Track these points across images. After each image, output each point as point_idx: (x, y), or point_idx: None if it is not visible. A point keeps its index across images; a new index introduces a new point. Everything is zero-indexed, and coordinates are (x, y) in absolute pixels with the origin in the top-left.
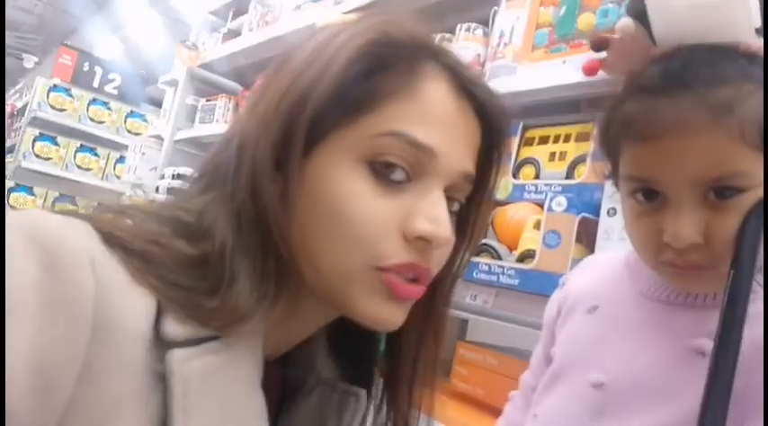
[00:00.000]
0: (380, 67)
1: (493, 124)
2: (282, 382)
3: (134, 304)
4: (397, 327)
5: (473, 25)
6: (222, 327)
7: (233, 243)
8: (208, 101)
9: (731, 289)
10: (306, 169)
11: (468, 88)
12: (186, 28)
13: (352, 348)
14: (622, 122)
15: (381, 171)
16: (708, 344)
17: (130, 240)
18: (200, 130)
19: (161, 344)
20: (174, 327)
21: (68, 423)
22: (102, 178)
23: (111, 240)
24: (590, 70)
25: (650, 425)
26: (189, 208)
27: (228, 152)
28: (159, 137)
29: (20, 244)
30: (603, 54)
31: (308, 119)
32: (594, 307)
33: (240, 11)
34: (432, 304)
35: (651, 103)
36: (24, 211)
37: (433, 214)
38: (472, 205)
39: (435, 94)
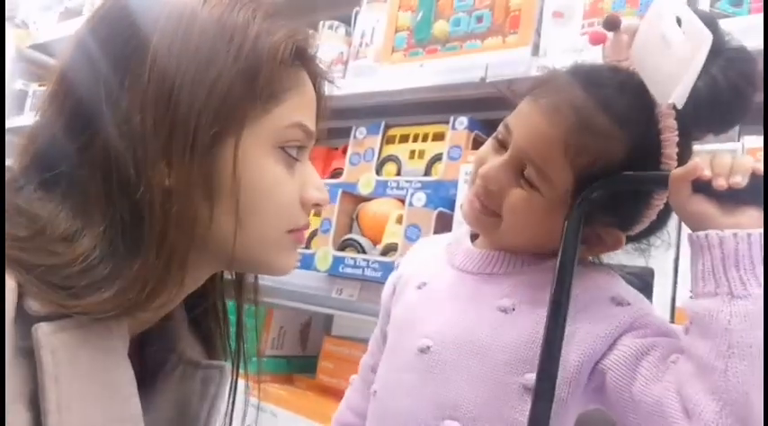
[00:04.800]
0: (283, 67)
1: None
2: (140, 364)
3: None
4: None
5: (336, 23)
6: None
7: (109, 243)
8: (41, 86)
9: (560, 259)
10: (228, 159)
11: (307, 61)
12: (11, 4)
13: (211, 324)
14: (539, 81)
15: (290, 153)
16: (507, 302)
17: None
18: (32, 119)
19: (24, 319)
20: (37, 304)
21: None
22: None
23: None
24: (596, 40)
25: (469, 379)
26: (53, 204)
27: (93, 137)
28: None
29: None
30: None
31: (236, 113)
32: (423, 283)
33: None
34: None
35: (567, 84)
36: None
37: (317, 183)
38: None
39: (309, 85)
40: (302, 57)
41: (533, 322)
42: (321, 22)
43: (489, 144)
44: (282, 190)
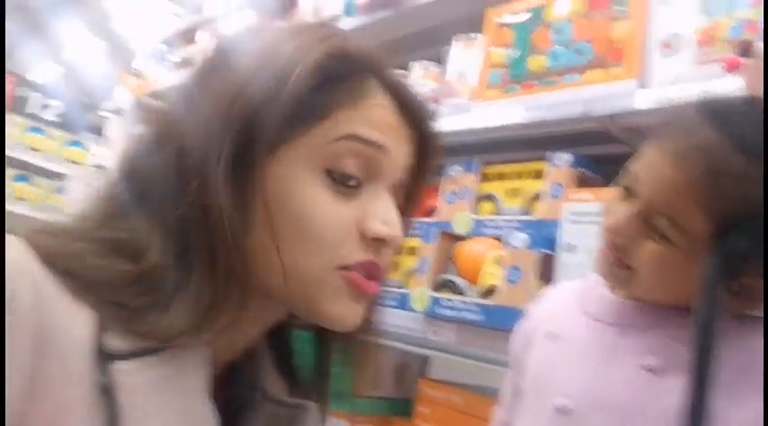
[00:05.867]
0: (336, 80)
1: (426, 133)
2: (225, 402)
3: (74, 316)
4: (355, 325)
5: (427, 63)
6: (162, 342)
7: (173, 257)
8: None
9: (699, 321)
10: (264, 177)
11: (407, 105)
12: (130, 54)
13: (294, 360)
14: (664, 121)
15: (338, 178)
16: (653, 361)
17: (63, 259)
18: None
19: (104, 357)
20: (115, 340)
21: None
22: (38, 209)
23: (45, 257)
24: (731, 67)
25: None
26: (121, 225)
27: (160, 158)
28: (103, 167)
29: None
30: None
31: (266, 128)
32: (555, 335)
33: (191, 40)
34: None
35: (695, 124)
36: None
37: (386, 216)
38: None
39: (380, 103)
40: (354, 68)
41: (685, 383)
42: (412, 62)
43: (616, 191)
44: (328, 217)
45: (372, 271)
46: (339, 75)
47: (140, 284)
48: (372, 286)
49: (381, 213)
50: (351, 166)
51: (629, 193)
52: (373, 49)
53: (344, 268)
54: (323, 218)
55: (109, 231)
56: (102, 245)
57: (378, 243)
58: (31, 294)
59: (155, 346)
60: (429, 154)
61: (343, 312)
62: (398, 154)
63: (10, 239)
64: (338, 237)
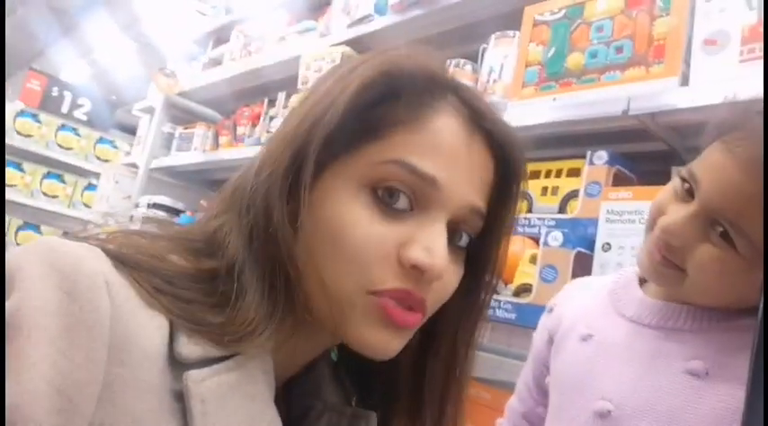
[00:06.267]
0: (389, 98)
1: (507, 160)
2: (286, 411)
3: (148, 324)
4: (391, 355)
5: (462, 61)
6: (232, 342)
7: (243, 258)
8: (185, 129)
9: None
10: (314, 192)
11: (483, 124)
12: (157, 53)
13: (362, 370)
14: (729, 123)
15: (384, 198)
16: (698, 365)
17: (139, 260)
18: (177, 159)
19: (176, 365)
20: (187, 347)
21: None
22: (68, 206)
23: (122, 262)
24: None
25: None
26: (203, 228)
27: (250, 173)
28: (133, 165)
29: (38, 269)
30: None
31: (316, 145)
32: (588, 336)
33: (221, 40)
34: (454, 345)
35: (759, 129)
36: (40, 238)
37: (429, 244)
38: (487, 241)
39: (445, 127)
40: (415, 86)
41: (733, 389)
42: (447, 61)
43: (669, 190)
44: (363, 235)
45: (407, 301)
46: (395, 93)
47: (211, 283)
48: (406, 316)
49: (425, 240)
50: (398, 187)
51: (686, 194)
52: (442, 67)
53: (375, 293)
54: (357, 237)
55: (189, 233)
56: (180, 245)
57: (416, 272)
58: (109, 304)
59: (224, 353)
60: (509, 173)
61: (372, 339)
62: (459, 185)
63: (87, 248)
64: (371, 259)
